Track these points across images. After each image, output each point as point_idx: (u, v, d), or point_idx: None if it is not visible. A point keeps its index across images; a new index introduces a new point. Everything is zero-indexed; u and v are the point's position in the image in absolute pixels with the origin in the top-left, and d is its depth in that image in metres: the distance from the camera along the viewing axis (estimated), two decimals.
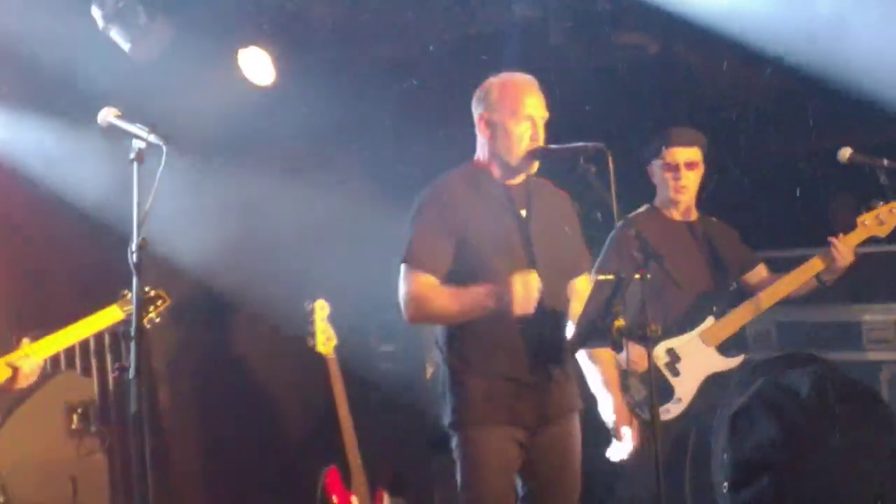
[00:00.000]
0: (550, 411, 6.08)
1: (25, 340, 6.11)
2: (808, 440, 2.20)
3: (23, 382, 6.07)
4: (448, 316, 5.96)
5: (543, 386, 6.05)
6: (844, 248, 6.93)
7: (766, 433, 2.20)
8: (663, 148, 7.20)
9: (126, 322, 6.07)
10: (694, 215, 7.34)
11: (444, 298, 5.90)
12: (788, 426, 2.19)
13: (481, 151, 6.19)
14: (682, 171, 7.19)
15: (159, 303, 6.41)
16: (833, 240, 6.96)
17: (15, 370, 5.94)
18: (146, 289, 6.21)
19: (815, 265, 6.99)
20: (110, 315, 6.16)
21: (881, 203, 6.96)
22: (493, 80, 6.15)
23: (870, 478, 2.17)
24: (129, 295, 5.83)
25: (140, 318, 6.01)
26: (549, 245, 6.10)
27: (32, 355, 6.03)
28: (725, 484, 2.22)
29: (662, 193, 7.29)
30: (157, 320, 6.41)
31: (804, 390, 2.22)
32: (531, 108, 6.02)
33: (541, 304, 5.93)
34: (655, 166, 7.28)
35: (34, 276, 8.00)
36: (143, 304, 6.06)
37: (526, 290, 5.66)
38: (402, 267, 6.00)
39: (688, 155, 7.20)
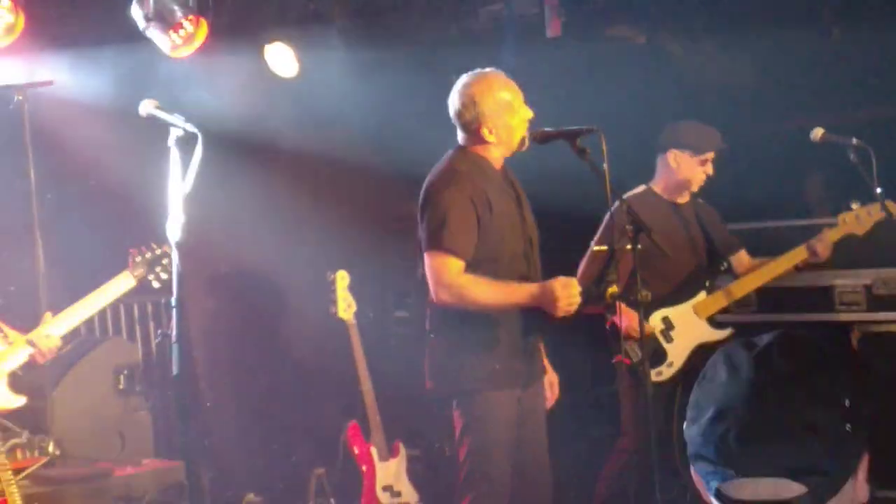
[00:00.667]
0: (535, 373, 6.13)
1: (48, 314, 6.06)
2: (753, 388, 2.20)
3: (41, 360, 6.00)
4: (485, 307, 5.88)
5: (532, 352, 6.09)
6: (824, 248, 6.99)
7: (719, 379, 2.21)
8: (707, 149, 7.14)
9: (138, 289, 6.12)
10: (687, 198, 7.31)
11: (486, 292, 5.82)
12: (737, 372, 2.21)
13: (473, 143, 6.06)
14: (709, 169, 7.18)
15: (165, 261, 6.17)
16: (814, 241, 7.01)
17: (35, 348, 5.89)
18: (153, 245, 6.15)
19: (799, 254, 7.02)
20: (122, 282, 6.05)
21: (860, 204, 7.00)
22: (471, 83, 5.99)
23: (814, 427, 2.17)
24: (139, 258, 6.04)
25: (152, 276, 6.09)
26: (532, 222, 6.11)
27: (53, 331, 5.95)
28: (685, 423, 2.24)
29: (673, 179, 7.21)
30: (165, 277, 6.21)
31: (760, 344, 2.23)
32: (520, 98, 5.98)
33: (534, 273, 6.02)
34: (684, 158, 7.18)
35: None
36: (152, 262, 6.08)
37: (569, 294, 5.64)
38: (436, 253, 5.87)
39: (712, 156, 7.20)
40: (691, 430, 2.25)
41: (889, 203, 6.88)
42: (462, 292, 5.83)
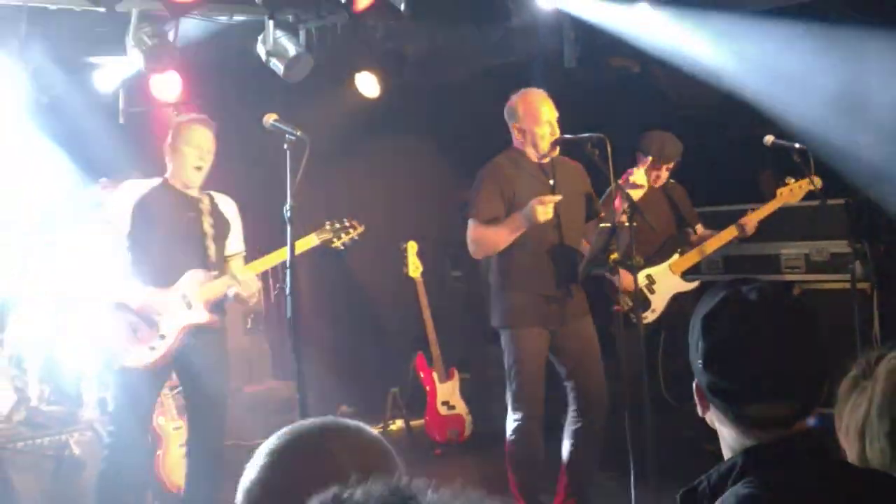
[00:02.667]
0: (569, 314, 6.06)
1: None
2: (754, 335, 2.19)
3: (245, 291, 5.94)
4: (498, 241, 5.93)
5: (563, 298, 6.03)
6: (750, 225, 7.02)
7: (726, 329, 2.19)
8: (670, 157, 7.24)
9: (319, 246, 6.09)
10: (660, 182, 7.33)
11: (493, 232, 5.90)
12: (741, 323, 2.19)
13: (517, 142, 6.15)
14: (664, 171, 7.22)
15: (351, 231, 6.15)
16: (743, 220, 7.04)
17: (238, 284, 5.91)
18: (343, 219, 6.15)
19: (731, 232, 7.06)
20: (308, 241, 6.00)
21: (792, 180, 6.97)
22: (516, 99, 6.11)
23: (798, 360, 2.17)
24: (328, 225, 6.08)
25: (337, 240, 6.09)
26: (569, 202, 6.05)
27: (250, 270, 6.00)
28: (700, 362, 2.22)
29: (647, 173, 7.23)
30: (349, 242, 6.19)
31: (753, 298, 2.21)
32: (547, 114, 6.01)
33: (561, 241, 6.01)
34: (655, 163, 7.19)
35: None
36: (338, 231, 6.08)
37: (541, 202, 5.69)
38: (470, 221, 6.00)
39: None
40: (709, 372, 2.21)
41: (814, 177, 6.87)
42: (478, 241, 6.00)
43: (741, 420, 2.19)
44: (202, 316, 5.87)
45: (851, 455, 2.42)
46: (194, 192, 6.01)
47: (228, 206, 6.20)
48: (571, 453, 6.13)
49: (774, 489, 2.08)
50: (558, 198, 5.77)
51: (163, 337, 5.75)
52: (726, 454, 2.23)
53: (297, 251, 5.78)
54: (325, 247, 6.11)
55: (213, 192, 6.16)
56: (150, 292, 5.76)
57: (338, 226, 6.12)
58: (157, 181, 5.99)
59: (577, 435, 6.11)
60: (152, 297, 5.76)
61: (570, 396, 6.14)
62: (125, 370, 5.77)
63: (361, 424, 1.90)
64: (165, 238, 5.83)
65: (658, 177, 7.26)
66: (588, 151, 5.78)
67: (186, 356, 5.85)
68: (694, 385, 2.29)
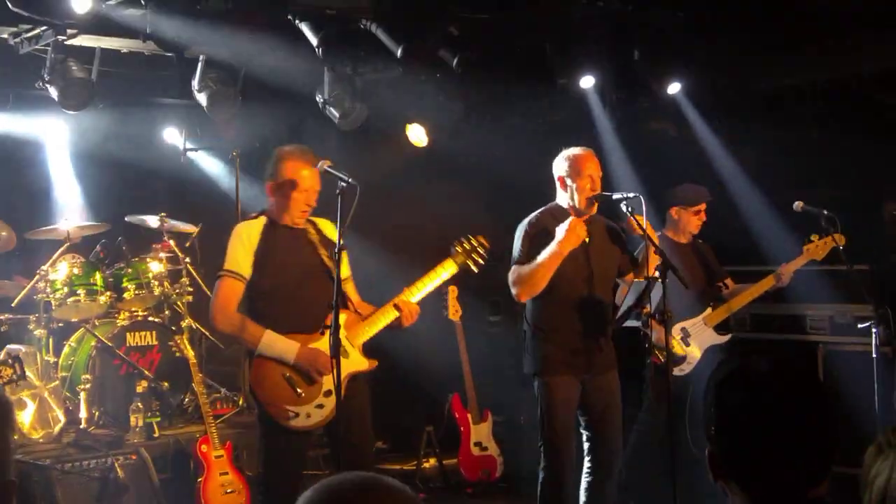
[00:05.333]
0: (598, 365, 6.02)
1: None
2: (766, 405, 2.16)
3: (406, 322, 5.58)
4: (536, 275, 5.82)
5: (593, 349, 5.99)
6: (786, 275, 6.94)
7: (736, 398, 2.16)
8: (696, 200, 7.16)
9: (459, 272, 5.86)
10: (689, 238, 7.29)
11: (530, 267, 5.82)
12: (752, 393, 2.15)
13: (559, 198, 6.13)
14: (703, 216, 7.18)
15: (480, 249, 5.83)
16: (779, 270, 6.97)
17: (401, 310, 5.57)
18: (469, 237, 5.84)
19: (768, 282, 6.98)
20: (447, 267, 5.76)
21: (817, 237, 6.94)
22: (566, 153, 6.08)
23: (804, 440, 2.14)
24: (458, 248, 5.81)
25: (471, 262, 5.81)
26: (601, 258, 6.05)
27: (410, 298, 5.62)
28: (712, 430, 2.18)
29: (678, 226, 7.23)
30: (482, 262, 5.85)
31: (765, 369, 2.18)
32: (590, 170, 5.99)
33: (592, 293, 5.99)
34: (681, 210, 7.21)
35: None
36: (469, 251, 5.79)
37: (570, 229, 5.70)
38: (513, 267, 5.95)
39: (704, 206, 7.18)
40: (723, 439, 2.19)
41: (837, 235, 6.82)
42: (519, 280, 5.88)
43: (753, 489, 2.16)
44: (361, 362, 5.53)
45: None
46: (300, 223, 5.58)
47: (331, 231, 5.63)
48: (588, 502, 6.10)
49: None
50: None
51: (329, 392, 5.29)
52: None
53: (438, 281, 5.77)
54: (464, 272, 5.87)
55: (312, 219, 5.71)
56: (302, 342, 5.35)
57: (467, 246, 5.84)
58: (262, 220, 5.58)
59: (591, 488, 6.08)
60: (311, 349, 5.34)
61: (587, 447, 6.11)
62: (286, 433, 5.37)
63: (398, 486, 1.84)
64: (292, 281, 5.43)
65: (690, 223, 7.20)
66: (624, 209, 5.80)
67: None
68: (706, 452, 2.27)
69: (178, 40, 7.05)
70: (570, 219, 5.79)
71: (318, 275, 5.48)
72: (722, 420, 2.19)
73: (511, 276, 5.97)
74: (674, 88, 8.40)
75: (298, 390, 5.36)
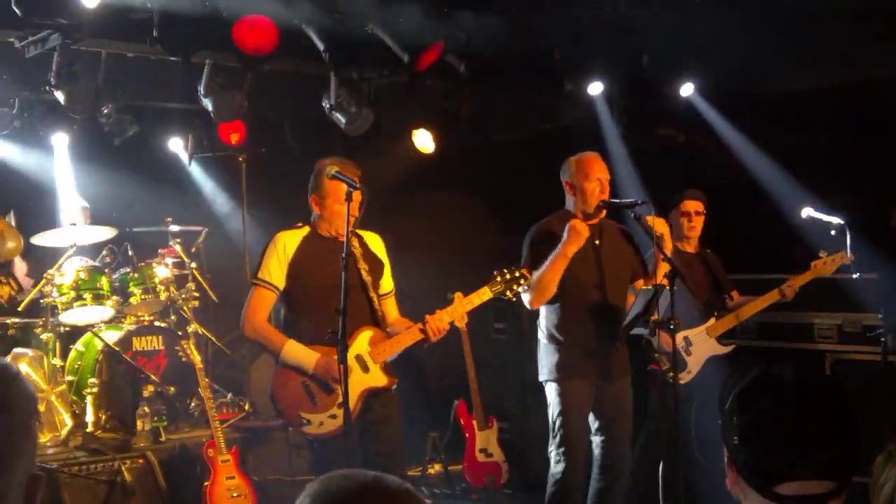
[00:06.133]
0: (612, 370, 6.02)
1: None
2: (791, 413, 2.10)
3: (433, 338, 5.51)
4: (545, 278, 5.84)
5: (607, 353, 5.99)
6: (791, 290, 6.85)
7: (762, 406, 2.09)
8: (680, 200, 7.09)
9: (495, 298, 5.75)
10: (697, 247, 7.20)
11: (536, 273, 5.83)
12: (777, 401, 2.09)
13: (569, 204, 6.13)
14: (693, 217, 7.08)
15: (522, 280, 5.70)
16: (784, 285, 6.87)
17: (426, 333, 5.49)
18: (512, 268, 5.68)
19: (772, 297, 6.91)
20: (482, 295, 5.65)
21: (825, 253, 6.87)
22: (572, 158, 6.09)
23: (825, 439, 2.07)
24: (499, 277, 5.66)
25: (509, 292, 5.63)
26: (613, 263, 6.06)
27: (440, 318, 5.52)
28: (735, 438, 2.12)
29: (677, 232, 7.14)
30: (518, 291, 5.74)
31: (789, 376, 2.11)
32: (598, 173, 5.99)
33: (605, 299, 6.00)
34: (673, 214, 7.13)
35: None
36: (509, 281, 5.64)
37: (572, 228, 5.73)
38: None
39: (696, 206, 7.08)
40: (746, 448, 2.13)
41: (845, 254, 6.79)
42: (532, 286, 5.86)
43: (775, 498, 2.12)
44: (380, 379, 5.50)
45: None
46: (341, 236, 5.43)
47: (376, 243, 5.78)
48: None
49: None
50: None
51: (342, 405, 5.21)
52: None
53: (472, 306, 5.67)
54: (497, 297, 5.77)
55: (359, 231, 5.71)
56: (326, 353, 5.35)
57: (508, 276, 5.70)
58: (305, 230, 5.60)
59: (600, 494, 6.08)
60: (328, 360, 5.33)
61: (596, 452, 6.11)
62: (320, 443, 5.47)
63: (403, 486, 1.75)
64: (324, 293, 5.31)
65: (691, 227, 7.11)
66: (633, 215, 5.78)
67: (366, 420, 5.46)
68: (725, 459, 2.23)
69: (185, 45, 7.02)
70: (573, 220, 5.79)
71: (353, 288, 5.37)
72: (746, 429, 2.14)
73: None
74: (687, 90, 8.35)
75: (315, 399, 5.41)
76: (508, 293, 5.70)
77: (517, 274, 5.70)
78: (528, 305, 6.01)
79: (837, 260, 6.84)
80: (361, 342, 5.48)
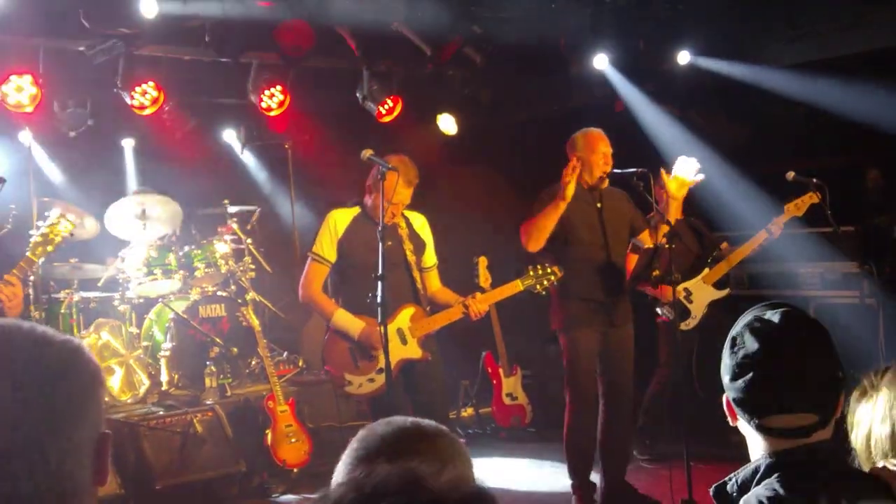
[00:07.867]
0: (616, 319, 6.02)
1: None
2: (776, 353, 2.12)
3: (473, 318, 5.64)
4: (539, 221, 5.79)
5: (612, 304, 5.99)
6: (776, 227, 6.81)
7: (750, 347, 2.12)
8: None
9: (525, 291, 5.79)
10: (678, 215, 7.09)
11: (535, 217, 5.81)
12: (764, 342, 2.11)
13: None
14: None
15: (552, 276, 5.77)
16: (769, 225, 6.83)
17: (468, 309, 5.61)
18: (545, 265, 5.76)
19: (761, 236, 6.87)
20: (513, 287, 5.76)
21: (796, 198, 6.83)
22: (578, 133, 6.05)
23: (814, 378, 2.10)
24: (531, 271, 5.75)
25: (539, 286, 5.74)
26: (614, 224, 6.06)
27: (484, 302, 5.64)
28: (727, 377, 2.15)
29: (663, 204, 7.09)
30: (547, 287, 5.81)
31: (776, 320, 2.13)
32: (602, 147, 5.98)
33: (608, 257, 5.99)
34: (657, 189, 7.02)
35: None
36: (541, 277, 5.73)
37: (562, 177, 5.67)
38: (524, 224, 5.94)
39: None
40: (737, 384, 2.14)
41: (812, 193, 6.67)
42: (527, 230, 5.83)
43: (765, 430, 2.12)
44: (416, 352, 5.59)
45: (861, 458, 2.35)
46: (387, 222, 5.39)
47: (421, 224, 5.87)
48: (603, 439, 6.11)
49: (792, 492, 2.02)
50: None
51: (381, 370, 5.33)
52: (753, 457, 2.16)
53: (505, 295, 5.81)
54: (529, 291, 5.82)
55: (406, 213, 5.78)
56: (371, 324, 5.41)
57: (540, 272, 5.78)
58: (356, 211, 5.68)
59: (605, 426, 6.10)
60: (371, 329, 5.43)
61: (602, 391, 6.10)
62: (375, 399, 5.57)
63: (439, 429, 1.84)
64: (369, 268, 5.28)
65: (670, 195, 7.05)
66: (633, 184, 5.79)
67: (409, 377, 5.63)
68: (724, 399, 2.22)
69: (233, 47, 7.09)
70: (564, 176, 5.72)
71: (397, 266, 5.56)
72: (736, 368, 2.13)
73: (521, 229, 5.93)
74: (684, 58, 8.31)
75: (358, 363, 5.55)
76: (538, 287, 5.81)
77: (548, 270, 5.80)
78: (525, 248, 5.92)
79: (807, 200, 6.76)
80: (403, 318, 5.59)
